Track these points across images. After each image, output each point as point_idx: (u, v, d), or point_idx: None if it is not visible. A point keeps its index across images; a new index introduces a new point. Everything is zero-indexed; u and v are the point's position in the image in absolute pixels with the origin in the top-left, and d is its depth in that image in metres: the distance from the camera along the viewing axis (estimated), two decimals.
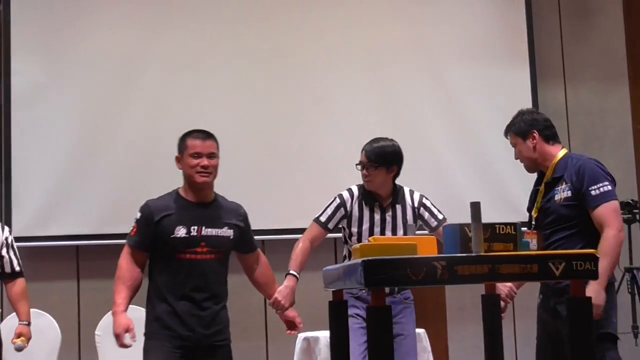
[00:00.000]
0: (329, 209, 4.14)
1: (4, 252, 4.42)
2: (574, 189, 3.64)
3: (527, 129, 3.81)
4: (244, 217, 3.96)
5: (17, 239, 5.47)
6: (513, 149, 3.93)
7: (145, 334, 3.78)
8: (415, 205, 4.17)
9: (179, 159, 3.83)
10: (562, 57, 6.69)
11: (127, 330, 3.64)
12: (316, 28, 6.20)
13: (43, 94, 5.76)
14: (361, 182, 4.17)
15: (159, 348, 3.70)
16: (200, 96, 5.94)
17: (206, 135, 3.82)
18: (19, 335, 4.36)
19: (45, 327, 5.25)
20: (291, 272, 3.99)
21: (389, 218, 4.11)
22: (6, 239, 4.45)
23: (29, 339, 4.39)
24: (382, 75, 6.24)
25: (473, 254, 2.51)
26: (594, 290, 3.39)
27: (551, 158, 3.78)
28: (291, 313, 3.99)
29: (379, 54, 6.25)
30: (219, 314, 3.80)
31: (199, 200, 3.80)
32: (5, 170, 5.67)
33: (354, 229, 4.10)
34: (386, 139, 4.15)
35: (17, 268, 4.48)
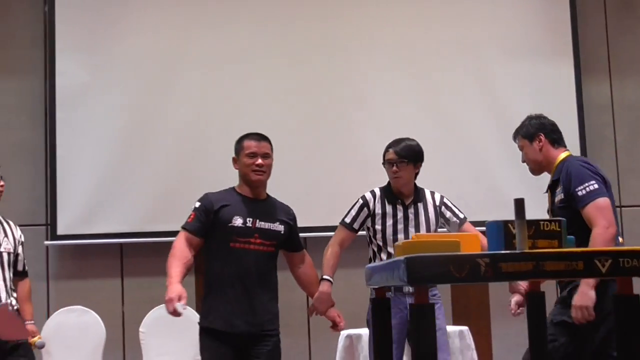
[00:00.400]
0: (352, 210, 4.26)
1: (19, 250, 4.57)
2: (565, 191, 3.71)
3: (534, 131, 3.91)
4: (294, 218, 4.11)
5: (62, 237, 5.64)
6: (528, 151, 3.98)
7: (200, 323, 3.89)
8: (437, 204, 4.27)
9: (235, 160, 4.00)
10: (608, 51, 6.59)
11: (180, 298, 3.61)
12: (358, 27, 6.19)
13: (87, 93, 5.83)
14: (382, 185, 4.27)
15: (212, 346, 3.80)
16: (242, 95, 5.96)
17: (261, 137, 4.01)
18: (32, 334, 4.44)
19: (90, 324, 5.32)
20: (325, 277, 4.11)
21: (411, 215, 4.19)
22: (20, 236, 4.62)
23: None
24: (425, 73, 6.21)
25: (517, 251, 2.48)
26: (580, 292, 3.48)
27: (554, 161, 3.88)
28: (332, 313, 4.10)
29: (422, 52, 6.23)
30: (269, 305, 3.91)
31: (254, 197, 3.97)
32: (50, 170, 5.75)
33: (378, 227, 4.18)
34: (408, 138, 4.27)
35: (26, 268, 4.66)
